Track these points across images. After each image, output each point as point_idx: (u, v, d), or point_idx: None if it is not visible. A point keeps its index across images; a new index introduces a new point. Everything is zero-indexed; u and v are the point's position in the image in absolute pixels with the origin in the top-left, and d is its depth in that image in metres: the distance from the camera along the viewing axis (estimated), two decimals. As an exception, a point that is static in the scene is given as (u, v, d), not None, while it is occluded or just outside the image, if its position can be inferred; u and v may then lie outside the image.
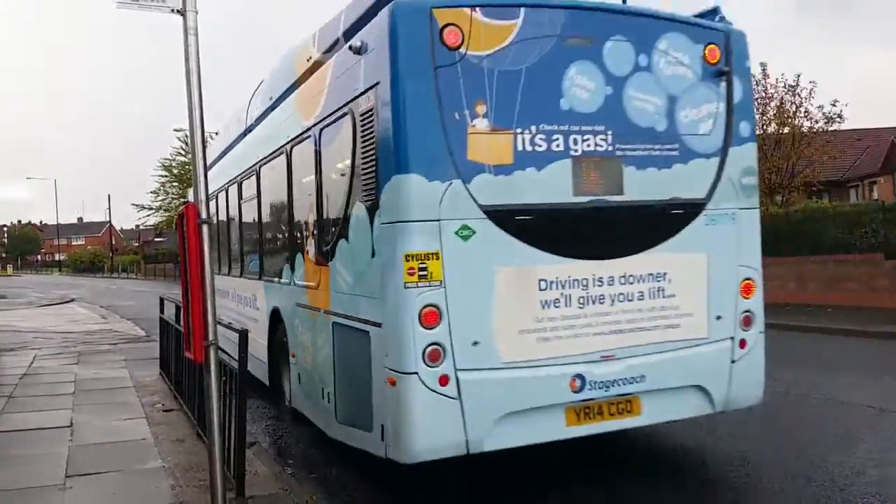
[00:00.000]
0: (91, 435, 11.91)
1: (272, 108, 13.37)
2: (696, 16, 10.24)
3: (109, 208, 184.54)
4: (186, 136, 67.04)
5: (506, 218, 8.80)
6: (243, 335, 9.05)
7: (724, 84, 9.93)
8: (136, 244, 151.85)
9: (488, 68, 8.77)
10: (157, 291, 40.54)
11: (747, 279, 10.02)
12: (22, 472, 10.09)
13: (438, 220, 8.59)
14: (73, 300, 48.61)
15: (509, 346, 8.82)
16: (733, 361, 9.95)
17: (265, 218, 13.96)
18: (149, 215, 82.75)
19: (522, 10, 8.98)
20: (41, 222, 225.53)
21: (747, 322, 10.03)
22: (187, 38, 7.63)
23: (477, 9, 8.77)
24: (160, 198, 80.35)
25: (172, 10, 7.70)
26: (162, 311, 17.02)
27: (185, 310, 8.17)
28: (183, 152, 75.28)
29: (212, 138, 24.22)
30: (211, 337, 8.01)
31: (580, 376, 9.11)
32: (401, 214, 8.54)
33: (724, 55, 9.94)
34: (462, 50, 8.71)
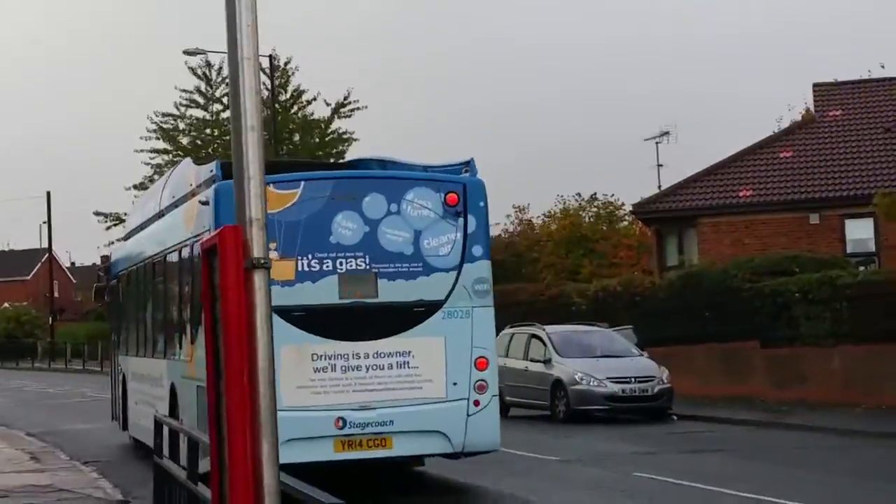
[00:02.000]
0: None
1: (174, 205, 17.87)
2: (451, 164, 15.30)
3: (49, 222, 78.21)
4: (204, 63, 53.45)
5: (289, 314, 13.37)
6: None
7: (461, 219, 14.42)
8: (102, 299, 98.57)
9: (277, 220, 13.43)
10: None
11: (480, 357, 14.32)
12: None
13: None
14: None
15: (289, 395, 13.08)
16: (469, 415, 14.16)
17: (162, 303, 18.53)
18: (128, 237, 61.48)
19: (302, 182, 14.02)
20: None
21: (481, 388, 14.29)
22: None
23: (271, 185, 12.64)
24: None
25: None
26: (159, 448, 9.51)
27: (215, 449, 4.49)
28: (197, 100, 54.61)
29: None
30: None
31: (342, 418, 13.62)
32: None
33: (462, 199, 14.41)
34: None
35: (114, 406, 23.86)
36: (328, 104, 52.58)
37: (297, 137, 52.08)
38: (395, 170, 15.67)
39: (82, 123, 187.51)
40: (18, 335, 72.66)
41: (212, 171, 15.00)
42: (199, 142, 54.35)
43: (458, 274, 14.30)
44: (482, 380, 14.19)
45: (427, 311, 14.14)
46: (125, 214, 52.52)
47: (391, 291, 13.97)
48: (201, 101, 53.97)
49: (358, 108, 52.66)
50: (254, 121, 4.55)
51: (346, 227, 13.89)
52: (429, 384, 14.00)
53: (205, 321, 4.56)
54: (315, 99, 52.96)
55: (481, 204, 14.59)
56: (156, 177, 53.81)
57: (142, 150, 53.75)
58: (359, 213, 13.94)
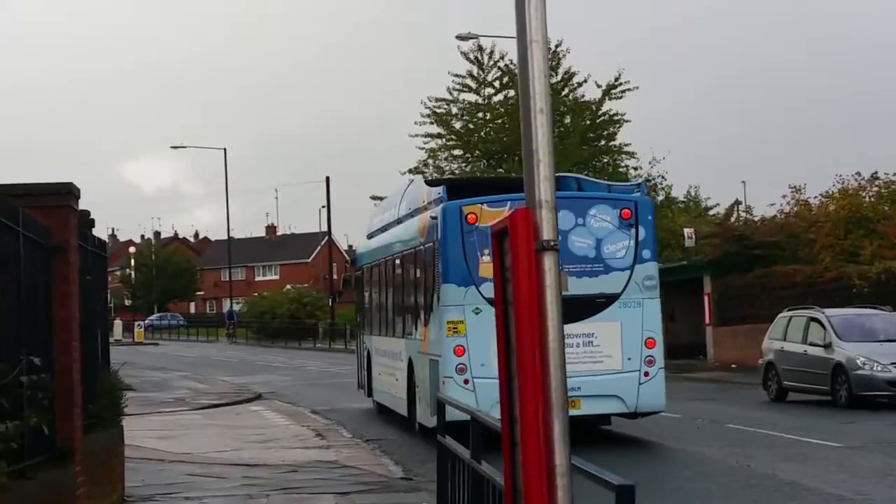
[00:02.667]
0: None
1: (409, 216, 22.10)
2: (628, 184, 20.70)
3: (328, 206, 78.72)
4: (476, 48, 53.29)
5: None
6: None
7: (633, 230, 18.25)
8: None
9: (488, 233, 15.75)
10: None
11: (649, 338, 18.17)
12: None
13: (462, 306, 18.13)
14: (258, 397, 31.37)
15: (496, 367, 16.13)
16: (640, 384, 18.06)
17: (400, 293, 22.74)
18: None
19: (509, 202, 17.20)
20: (196, 235, 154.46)
21: (650, 362, 18.16)
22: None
23: (484, 204, 18.10)
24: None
25: None
26: (442, 429, 9.31)
27: (507, 431, 4.51)
28: (469, 84, 54.20)
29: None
30: (562, 500, 4.10)
31: None
32: (444, 301, 18.38)
33: (634, 214, 18.25)
34: (476, 224, 17.94)
35: (360, 377, 27.69)
36: (599, 86, 52.34)
37: (567, 120, 51.98)
38: (586, 188, 20.05)
39: (361, 111, 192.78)
40: (301, 316, 75.16)
41: (439, 193, 19.59)
42: (470, 125, 54.89)
43: (631, 273, 18.41)
44: (651, 356, 18.36)
45: (606, 301, 18.32)
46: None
47: (578, 286, 17.85)
48: (473, 85, 54.38)
49: (629, 90, 52.23)
50: (542, 103, 4.55)
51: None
52: (608, 359, 18.18)
53: (496, 302, 4.61)
54: (586, 81, 52.78)
55: (649, 217, 18.82)
56: (430, 161, 54.77)
57: (416, 135, 54.76)
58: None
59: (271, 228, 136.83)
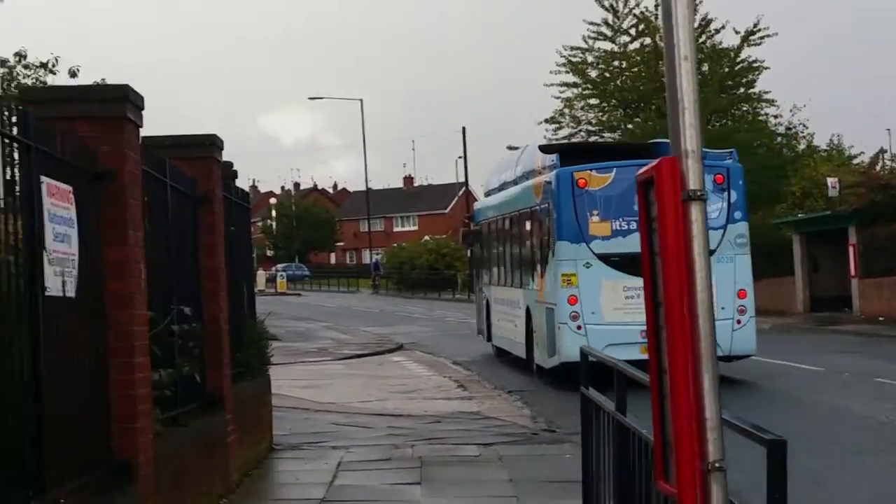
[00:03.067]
0: None
1: (524, 177, 24.33)
2: (720, 151, 21.48)
3: (465, 157, 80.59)
4: None
5: (607, 259, 19.95)
6: None
7: (725, 193, 20.12)
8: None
9: (599, 195, 20.01)
10: None
11: (741, 289, 20.00)
12: None
13: (575, 260, 20.19)
14: (400, 347, 31.26)
15: (610, 313, 19.81)
16: (733, 330, 19.73)
17: (517, 248, 24.86)
18: None
19: (614, 169, 20.19)
20: (335, 187, 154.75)
21: (742, 311, 20.00)
22: None
23: (592, 170, 20.32)
24: (563, 132, 53.80)
25: None
26: (585, 380, 9.09)
27: (656, 383, 4.31)
28: (605, 32, 52.99)
29: None
30: (713, 454, 3.95)
31: (644, 330, 17.62)
32: (559, 256, 20.41)
33: (727, 178, 20.22)
34: (586, 187, 20.16)
35: (479, 323, 29.58)
36: (737, 32, 51.37)
37: (705, 67, 51.13)
38: None
39: (496, 61, 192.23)
40: (439, 267, 75.50)
41: (553, 160, 21.72)
42: (606, 74, 54.33)
43: (724, 232, 20.13)
44: (742, 305, 20.24)
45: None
46: (539, 149, 53.57)
47: None
48: (608, 33, 53.78)
49: (768, 36, 51.17)
50: (687, 51, 4.44)
51: None
52: None
53: (641, 252, 4.55)
54: (723, 27, 51.89)
55: (740, 182, 20.77)
56: (565, 110, 54.35)
57: (551, 84, 54.41)
58: None
59: (409, 179, 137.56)
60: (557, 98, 54.48)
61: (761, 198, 48.53)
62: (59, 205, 6.59)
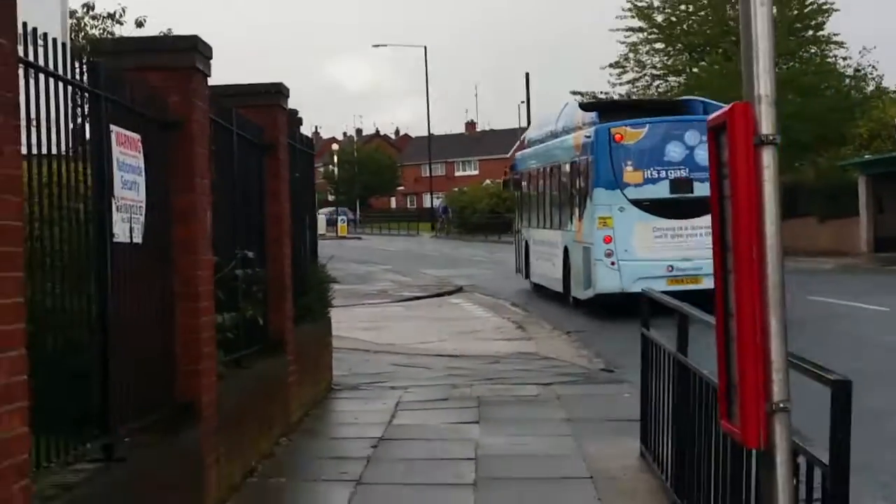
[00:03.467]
0: None
1: (564, 132, 27.03)
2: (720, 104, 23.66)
3: (528, 102, 75.78)
4: None
5: (639, 203, 22.51)
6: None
7: None
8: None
9: (633, 148, 22.58)
10: None
11: None
12: None
13: (610, 205, 22.63)
14: (459, 289, 31.21)
15: (640, 251, 22.40)
16: None
17: (557, 194, 27.41)
18: None
19: (648, 125, 22.86)
20: (397, 132, 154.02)
21: None
22: None
23: (627, 126, 22.85)
24: (628, 76, 54.48)
25: None
26: (645, 321, 9.38)
27: (722, 326, 4.33)
28: None
29: None
30: (778, 394, 4.03)
31: (671, 265, 22.18)
32: (596, 201, 22.83)
33: None
34: (622, 141, 22.67)
35: (518, 263, 32.66)
36: (807, -27, 50.61)
37: (774, 10, 50.38)
38: (710, 111, 21.46)
39: (561, 5, 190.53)
40: (500, 210, 75.38)
41: (593, 117, 24.81)
42: (672, 18, 53.78)
43: None
44: None
45: None
46: (603, 94, 53.07)
47: (700, 189, 21.50)
48: (676, -24, 53.18)
49: (838, -23, 50.33)
50: (763, -5, 4.41)
51: (674, 151, 22.88)
52: None
53: (711, 196, 4.52)
54: (793, -31, 51.12)
55: None
56: (630, 55, 53.92)
57: (617, 29, 54.01)
58: (681, 143, 22.86)
59: (471, 125, 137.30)
60: (623, 43, 54.06)
61: (828, 140, 47.98)
62: (127, 153, 6.66)
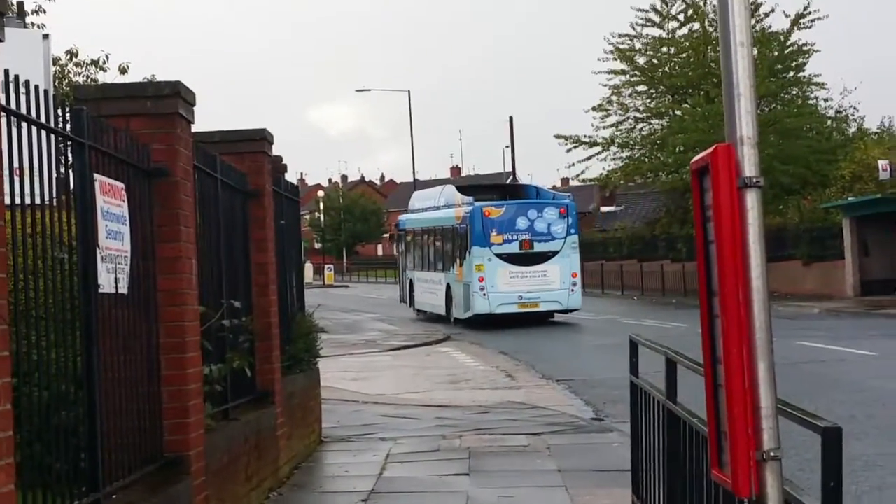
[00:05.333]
0: None
1: (446, 206, 38.23)
2: (562, 194, 39.72)
3: (512, 147, 75.79)
4: None
5: (500, 256, 34.77)
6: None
7: (566, 218, 35.21)
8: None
9: (496, 220, 34.85)
10: (616, 321, 34.33)
11: (573, 272, 34.93)
12: None
13: (482, 256, 34.88)
14: (447, 338, 31.63)
15: (501, 286, 34.62)
16: (569, 294, 34.96)
17: (440, 247, 38.93)
18: (587, 160, 54.09)
19: (505, 205, 35.66)
20: (382, 178, 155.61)
21: (574, 284, 34.93)
22: None
23: (493, 206, 35.46)
24: (611, 119, 54.40)
25: None
26: (635, 368, 9.11)
27: (710, 372, 4.27)
28: (653, 18, 53.36)
29: None
30: (768, 443, 3.99)
31: (521, 295, 34.55)
32: (473, 254, 35.01)
33: (567, 211, 35.40)
34: (489, 216, 34.92)
35: (403, 295, 43.79)
36: (787, 15, 51.03)
37: (755, 52, 50.65)
38: (542, 195, 37.19)
39: (542, 50, 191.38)
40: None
41: (469, 199, 35.86)
42: (655, 61, 54.06)
43: (564, 241, 34.83)
44: (574, 282, 34.77)
45: (552, 255, 34.82)
46: (586, 137, 53.36)
47: (538, 247, 34.56)
48: (657, 19, 53.50)
49: (819, 19, 50.76)
50: (743, 37, 4.41)
51: (521, 223, 34.49)
52: (553, 282, 34.65)
53: (696, 241, 4.50)
54: (773, 11, 51.51)
55: (574, 213, 35.51)
56: (613, 98, 54.18)
57: (599, 72, 54.33)
58: (526, 217, 34.63)
59: (456, 169, 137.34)
60: (605, 86, 54.36)
61: (810, 182, 48.15)
62: (111, 202, 6.62)
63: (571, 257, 34.84)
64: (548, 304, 34.73)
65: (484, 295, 34.12)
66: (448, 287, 36.80)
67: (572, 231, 34.93)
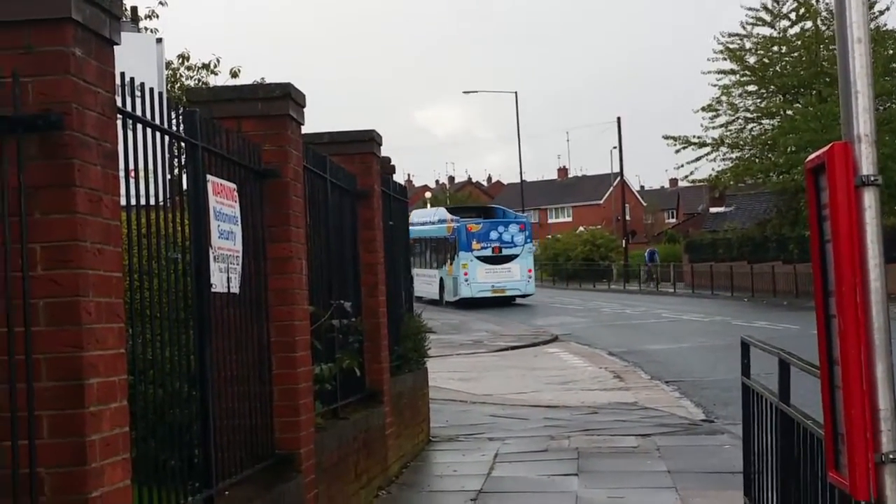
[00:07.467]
0: None
1: (440, 222, 53.90)
2: (522, 214, 58.91)
3: (620, 148, 72.49)
4: None
5: (479, 258, 50.67)
6: None
7: (524, 232, 52.00)
8: (673, 222, 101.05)
9: (476, 233, 51.14)
10: (727, 323, 33.35)
11: (529, 268, 51.75)
12: None
13: (467, 258, 50.88)
14: (554, 338, 31.10)
15: (480, 278, 50.65)
16: (526, 284, 51.58)
17: (434, 251, 55.33)
18: (696, 161, 53.47)
19: (482, 223, 52.15)
20: (489, 179, 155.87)
21: (529, 278, 51.68)
22: None
23: (473, 223, 52.08)
24: (720, 119, 53.69)
25: None
26: (746, 369, 8.88)
27: (826, 374, 4.18)
28: (764, 17, 52.46)
29: None
30: (887, 445, 3.90)
31: (493, 285, 50.45)
32: (460, 257, 51.09)
33: (527, 226, 52.92)
34: (471, 230, 51.40)
35: None
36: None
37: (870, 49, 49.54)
38: (507, 217, 53.15)
39: (651, 50, 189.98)
40: (594, 258, 74.71)
41: (457, 218, 52.18)
42: (765, 60, 53.28)
43: (523, 247, 50.55)
44: (529, 276, 50.99)
45: (514, 257, 50.25)
46: (695, 137, 52.80)
47: (506, 251, 50.05)
48: (768, 18, 52.71)
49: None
50: (860, 33, 4.32)
51: (493, 235, 50.29)
52: (515, 276, 50.20)
53: (811, 240, 4.41)
54: (888, 9, 50.90)
55: (530, 228, 52.75)
56: (723, 98, 53.50)
57: (709, 72, 53.70)
58: (496, 231, 50.64)
59: (563, 171, 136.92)
60: (714, 86, 53.75)
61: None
62: (224, 202, 6.70)
63: (528, 258, 50.84)
64: (511, 291, 49.88)
65: (468, 284, 49.53)
66: (441, 280, 52.66)
67: (528, 241, 51.12)
